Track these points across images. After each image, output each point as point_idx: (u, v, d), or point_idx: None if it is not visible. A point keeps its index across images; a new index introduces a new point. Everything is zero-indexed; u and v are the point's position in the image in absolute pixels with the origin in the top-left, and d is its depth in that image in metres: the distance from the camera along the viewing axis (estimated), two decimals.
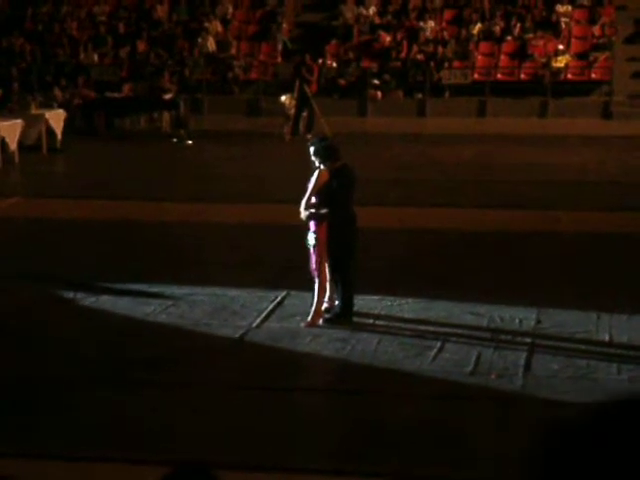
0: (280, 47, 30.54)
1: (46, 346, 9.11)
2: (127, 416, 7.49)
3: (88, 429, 7.27)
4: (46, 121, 22.35)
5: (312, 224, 9.51)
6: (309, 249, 9.56)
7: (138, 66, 29.60)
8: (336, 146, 9.78)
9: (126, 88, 27.36)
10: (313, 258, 9.53)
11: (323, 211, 9.40)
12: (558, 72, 28.45)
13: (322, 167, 9.46)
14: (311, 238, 9.50)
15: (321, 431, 7.43)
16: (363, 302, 10.00)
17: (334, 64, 29.57)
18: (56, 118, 22.82)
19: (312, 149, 9.58)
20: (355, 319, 9.66)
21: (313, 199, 9.46)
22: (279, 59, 30.24)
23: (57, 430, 7.25)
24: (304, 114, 24.97)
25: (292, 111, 24.80)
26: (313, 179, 9.48)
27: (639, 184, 17.23)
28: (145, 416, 7.50)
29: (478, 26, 29.94)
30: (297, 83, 24.90)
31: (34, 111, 22.77)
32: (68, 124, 23.54)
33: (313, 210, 9.43)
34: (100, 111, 26.03)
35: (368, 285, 10.28)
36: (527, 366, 8.42)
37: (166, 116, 26.08)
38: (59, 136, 22.55)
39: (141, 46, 30.43)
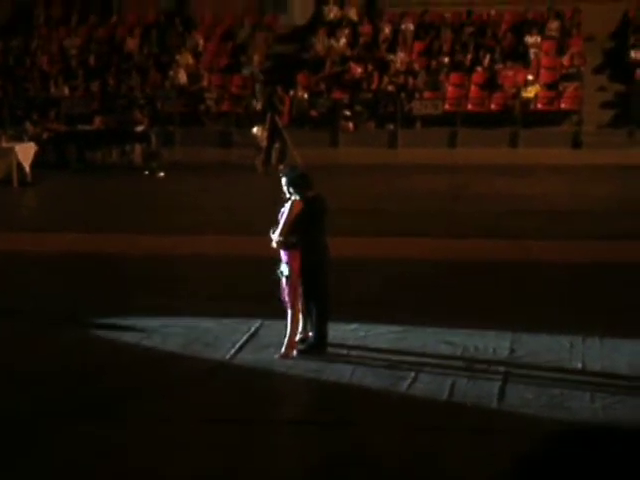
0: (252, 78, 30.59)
1: (16, 382, 9.02)
2: (95, 450, 7.41)
3: (54, 464, 7.19)
4: (16, 155, 22.27)
5: (284, 254, 9.49)
6: (280, 280, 9.54)
7: (109, 99, 29.59)
8: (307, 175, 9.80)
9: (97, 121, 27.33)
10: (286, 289, 9.51)
11: (295, 240, 9.39)
12: (528, 102, 28.66)
13: (295, 197, 9.47)
14: (284, 268, 9.48)
15: (295, 463, 7.39)
16: (337, 332, 9.97)
17: (305, 95, 29.67)
18: (25, 152, 22.74)
19: (286, 179, 9.58)
20: (329, 349, 9.63)
21: (286, 229, 9.45)
22: (250, 91, 30.28)
23: (31, 469, 7.17)
24: (276, 145, 25.03)
25: (264, 143, 24.86)
26: (286, 209, 9.49)
27: (609, 213, 17.36)
28: (114, 450, 7.44)
29: (448, 57, 30.14)
30: (269, 115, 24.98)
31: (4, 144, 22.70)
32: (39, 157, 23.47)
33: (285, 239, 9.41)
34: (71, 144, 25.98)
35: (342, 315, 10.27)
36: (501, 395, 8.41)
37: (138, 148, 26.07)
38: (27, 169, 22.45)
39: (112, 79, 30.41)
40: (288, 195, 9.54)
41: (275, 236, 9.49)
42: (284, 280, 9.48)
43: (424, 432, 7.75)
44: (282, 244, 9.46)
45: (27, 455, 7.33)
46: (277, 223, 9.52)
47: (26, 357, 9.71)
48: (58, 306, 11.50)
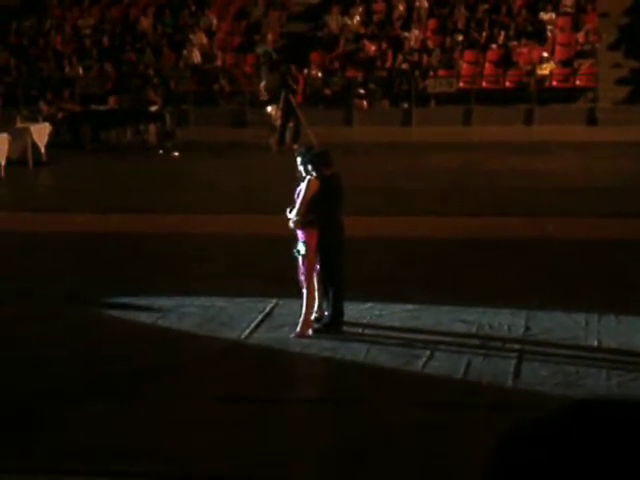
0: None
1: (32, 362, 9.07)
2: (115, 429, 7.47)
3: (75, 444, 7.24)
4: (31, 135, 22.31)
5: (301, 233, 9.50)
6: (297, 259, 9.55)
7: (123, 79, 29.59)
8: (329, 153, 9.81)
9: (112, 101, 27.32)
10: (301, 268, 9.53)
11: (313, 219, 9.40)
12: (543, 79, 28.52)
13: (312, 175, 9.47)
14: (301, 247, 9.49)
15: (311, 442, 7.42)
16: (352, 311, 10.00)
17: (319, 74, 29.59)
18: (40, 132, 22.77)
19: (305, 157, 9.58)
20: (344, 328, 9.66)
21: (303, 208, 9.46)
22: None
23: (44, 445, 7.22)
24: (290, 125, 24.99)
25: (278, 122, 24.82)
26: (303, 188, 9.49)
27: (625, 190, 17.29)
28: (133, 429, 7.49)
29: (462, 34, 30.01)
30: (283, 93, 24.94)
31: (19, 125, 22.74)
32: (54, 138, 23.50)
33: (303, 218, 9.42)
34: (86, 124, 25.99)
35: (357, 294, 10.30)
36: (516, 373, 8.43)
37: (152, 128, 26.05)
38: (42, 149, 22.49)
39: (126, 59, 30.40)
40: (304, 174, 9.54)
41: (292, 215, 9.51)
42: (300, 259, 9.50)
43: (440, 410, 7.78)
44: (299, 223, 9.47)
45: (48, 431, 7.39)
46: (293, 202, 9.54)
47: (43, 338, 9.76)
48: (74, 287, 11.55)
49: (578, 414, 1.46)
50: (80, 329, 10.01)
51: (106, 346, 9.48)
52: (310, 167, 9.49)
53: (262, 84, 25.35)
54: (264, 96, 25.12)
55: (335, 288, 9.59)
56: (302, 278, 9.55)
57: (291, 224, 9.55)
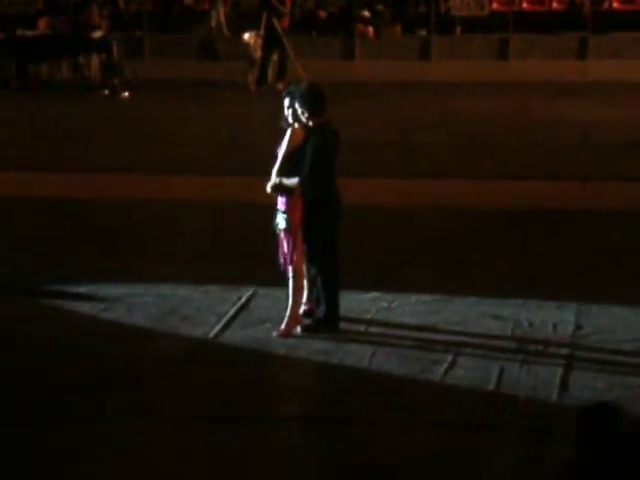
0: None
1: None
2: (45, 457, 7.48)
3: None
4: None
5: (282, 202, 9.45)
6: (278, 235, 9.53)
7: None
8: (324, 94, 9.74)
9: (42, 24, 27.20)
10: (285, 247, 9.50)
11: (295, 182, 9.35)
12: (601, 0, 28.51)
13: (296, 124, 9.44)
14: (281, 220, 9.46)
15: (297, 470, 7.44)
16: (353, 303, 10.02)
17: None
18: None
19: (293, 97, 9.53)
20: (342, 325, 9.68)
21: (285, 167, 9.43)
22: None
23: None
24: (274, 57, 24.96)
25: (258, 53, 24.78)
26: (285, 140, 9.47)
27: None
28: (66, 457, 7.50)
29: None
30: (264, 16, 24.87)
31: None
32: None
33: (283, 180, 9.39)
34: (10, 55, 25.91)
35: (359, 281, 10.31)
36: (563, 385, 8.46)
37: (95, 61, 26.00)
38: None
39: None
40: (291, 120, 9.51)
41: (272, 177, 9.48)
42: (282, 235, 9.47)
43: (463, 433, 7.80)
44: (279, 188, 9.44)
45: None
46: (275, 159, 9.52)
47: None
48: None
49: None
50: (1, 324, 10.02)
51: (32, 347, 9.46)
52: (300, 107, 9.42)
53: (247, 36, 25.15)
54: (256, 51, 24.91)
55: (327, 273, 9.57)
56: (285, 260, 9.52)
57: (268, 188, 9.52)
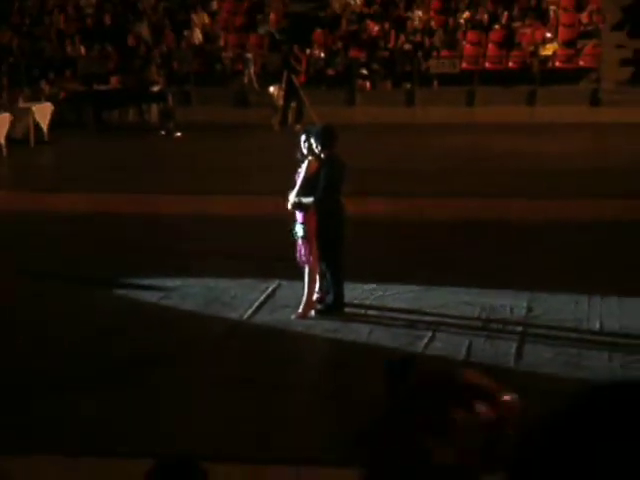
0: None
1: (35, 344, 9.08)
2: (117, 412, 7.47)
3: (76, 426, 7.25)
4: (33, 114, 22.27)
5: (299, 215, 9.48)
6: (297, 240, 9.53)
7: (126, 58, 29.49)
8: (335, 132, 9.74)
9: (114, 80, 27.25)
10: (302, 249, 9.51)
11: (310, 200, 9.36)
12: (546, 60, 28.42)
13: (311, 157, 9.44)
14: (299, 229, 9.48)
15: (313, 422, 7.42)
16: (355, 292, 10.01)
17: (322, 54, 29.50)
18: (43, 111, 22.75)
19: (309, 135, 9.52)
20: (347, 310, 9.66)
21: (302, 189, 9.43)
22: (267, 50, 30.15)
23: (51, 427, 7.23)
24: (293, 105, 24.95)
25: (280, 102, 24.77)
26: (303, 169, 9.47)
27: (629, 171, 17.24)
28: (134, 411, 7.49)
29: (466, 14, 29.90)
30: (285, 74, 24.87)
31: (21, 105, 22.71)
32: (57, 117, 23.46)
33: (302, 199, 9.40)
34: (88, 104, 25.93)
35: (360, 275, 10.29)
36: (519, 355, 8.43)
37: (154, 108, 26.01)
38: (45, 129, 22.48)
39: (129, 39, 30.30)
40: (306, 152, 9.51)
41: (291, 197, 9.48)
42: (300, 241, 9.48)
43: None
44: (297, 205, 9.45)
45: (48, 412, 7.40)
46: (294, 183, 9.51)
47: (47, 318, 9.75)
48: (75, 267, 11.54)
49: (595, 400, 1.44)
50: (83, 310, 10.01)
51: (109, 328, 9.47)
52: (315, 142, 9.41)
53: (272, 89, 25.09)
54: (279, 100, 24.84)
55: (334, 270, 9.57)
56: (303, 259, 9.53)
57: (289, 205, 9.54)
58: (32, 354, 8.75)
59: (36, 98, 24.38)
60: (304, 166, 9.48)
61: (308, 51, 29.01)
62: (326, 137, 9.53)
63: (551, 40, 28.74)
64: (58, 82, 26.98)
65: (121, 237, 13.31)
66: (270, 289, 10.40)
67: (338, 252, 9.61)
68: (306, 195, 9.40)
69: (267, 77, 27.13)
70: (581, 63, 28.53)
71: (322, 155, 9.44)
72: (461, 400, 2.34)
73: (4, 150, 20.64)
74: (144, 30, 30.28)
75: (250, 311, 9.74)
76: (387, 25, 30.01)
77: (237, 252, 12.21)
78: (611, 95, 27.03)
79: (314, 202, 9.38)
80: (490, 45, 29.37)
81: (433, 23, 30.03)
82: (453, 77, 28.25)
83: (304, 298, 9.55)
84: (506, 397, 2.47)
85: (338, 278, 9.62)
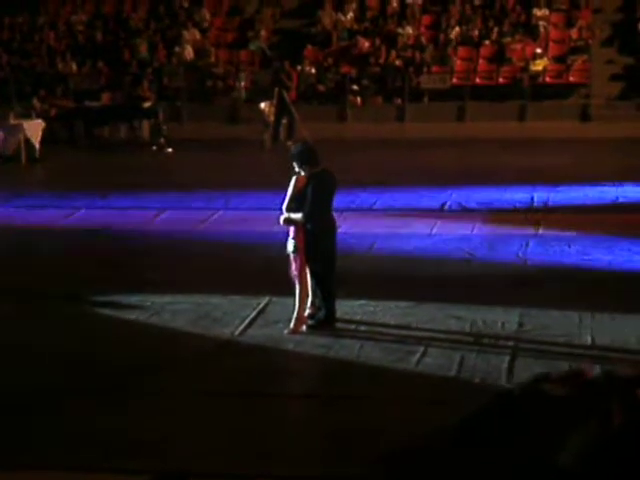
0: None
1: (28, 358, 9.05)
2: (112, 426, 7.44)
3: (74, 439, 7.23)
4: (24, 131, 22.25)
5: (291, 230, 9.48)
6: (289, 255, 9.53)
7: (117, 75, 29.51)
8: (315, 150, 9.75)
9: (105, 97, 27.26)
10: (293, 264, 9.50)
11: (299, 217, 9.36)
12: (536, 76, 28.53)
13: (300, 172, 9.46)
14: (290, 244, 9.47)
15: (304, 437, 7.40)
16: (346, 308, 9.98)
17: (313, 70, 29.56)
18: (34, 128, 22.72)
19: (292, 154, 9.61)
20: (338, 325, 9.64)
21: (291, 205, 9.43)
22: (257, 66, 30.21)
23: (46, 440, 7.20)
24: (284, 121, 24.97)
25: (272, 118, 24.79)
26: (291, 184, 9.48)
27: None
28: (129, 426, 7.46)
29: (456, 30, 30.00)
30: (276, 90, 24.90)
31: (13, 121, 22.69)
32: (47, 134, 23.44)
33: (291, 215, 9.42)
34: (79, 120, 25.94)
35: (351, 291, 10.28)
36: (510, 370, 8.41)
37: (145, 124, 26.02)
38: (37, 146, 22.46)
39: (124, 55, 30.33)
40: (297, 169, 9.53)
41: (283, 212, 9.48)
42: (292, 256, 9.47)
43: (432, 407, 7.75)
44: (288, 220, 9.45)
45: (45, 427, 7.37)
46: (284, 199, 9.51)
47: (30, 336, 9.70)
48: (64, 283, 11.51)
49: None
50: (68, 326, 9.97)
51: (99, 344, 9.44)
52: (298, 163, 9.47)
53: (263, 105, 25.10)
54: (270, 116, 24.84)
55: (325, 286, 9.55)
56: (294, 274, 9.52)
57: (280, 221, 9.54)
58: (28, 368, 8.71)
59: (27, 115, 24.36)
60: (292, 182, 9.48)
61: (299, 67, 29.08)
62: (304, 156, 9.53)
63: (541, 56, 28.86)
64: (49, 99, 26.96)
65: (114, 254, 13.26)
66: (261, 305, 10.38)
67: (330, 267, 9.59)
68: (295, 211, 9.40)
69: (258, 93, 27.14)
70: (571, 79, 28.65)
71: (306, 173, 9.44)
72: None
73: None
74: (142, 47, 30.31)
75: (241, 327, 9.71)
76: (378, 41, 30.11)
77: (229, 268, 12.18)
78: (601, 110, 27.14)
79: (302, 218, 9.38)
80: (480, 61, 29.49)
81: (424, 39, 30.13)
82: (444, 92, 28.34)
83: (295, 313, 9.53)
84: None
85: (329, 294, 9.60)
